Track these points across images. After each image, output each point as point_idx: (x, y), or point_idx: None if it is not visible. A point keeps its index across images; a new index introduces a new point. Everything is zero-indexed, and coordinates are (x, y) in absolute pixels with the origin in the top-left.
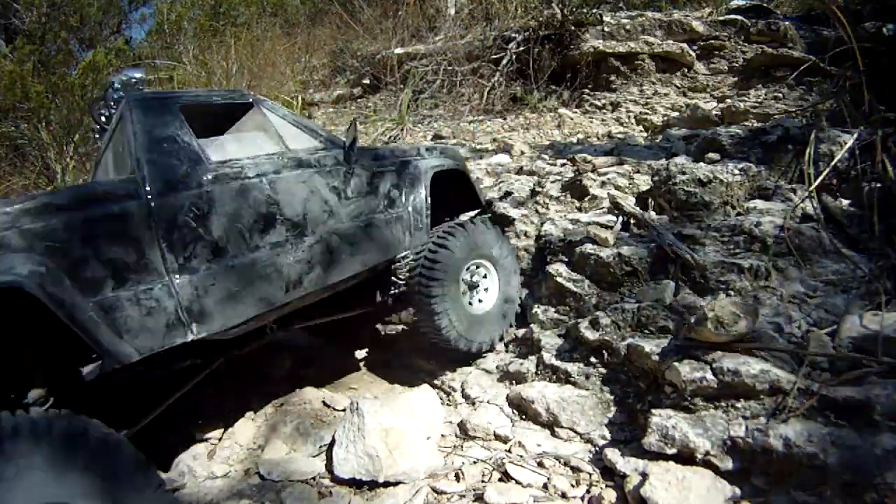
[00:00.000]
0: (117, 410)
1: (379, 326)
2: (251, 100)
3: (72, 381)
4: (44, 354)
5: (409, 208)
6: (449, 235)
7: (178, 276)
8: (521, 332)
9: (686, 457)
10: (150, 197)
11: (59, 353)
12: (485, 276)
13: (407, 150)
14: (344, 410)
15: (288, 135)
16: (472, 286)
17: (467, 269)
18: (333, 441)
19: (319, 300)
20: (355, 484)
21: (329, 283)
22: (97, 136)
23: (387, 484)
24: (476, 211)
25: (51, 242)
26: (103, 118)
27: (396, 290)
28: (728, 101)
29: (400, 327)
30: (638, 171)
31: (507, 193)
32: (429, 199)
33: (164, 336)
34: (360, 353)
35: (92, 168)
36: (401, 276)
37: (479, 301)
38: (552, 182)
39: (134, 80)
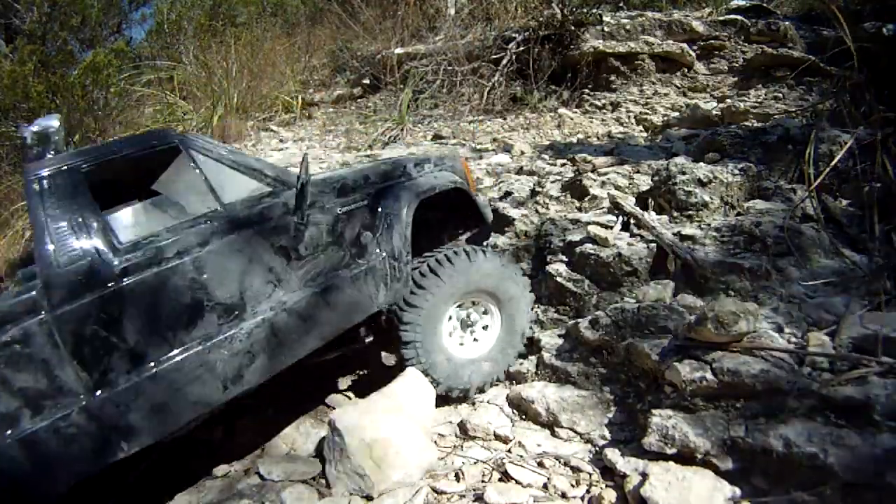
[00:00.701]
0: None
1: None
2: (176, 142)
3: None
4: None
5: (384, 255)
6: (431, 272)
7: (96, 396)
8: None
9: (686, 457)
10: (51, 310)
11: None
12: (485, 313)
13: (388, 170)
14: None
15: (222, 183)
16: (466, 325)
17: (459, 304)
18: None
19: None
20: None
21: (277, 369)
22: None
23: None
24: (476, 230)
25: None
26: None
27: (382, 321)
28: (728, 101)
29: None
30: (638, 171)
31: (507, 193)
32: (408, 241)
33: (95, 459)
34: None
35: None
36: (384, 317)
37: (475, 340)
38: (552, 182)
39: (50, 129)
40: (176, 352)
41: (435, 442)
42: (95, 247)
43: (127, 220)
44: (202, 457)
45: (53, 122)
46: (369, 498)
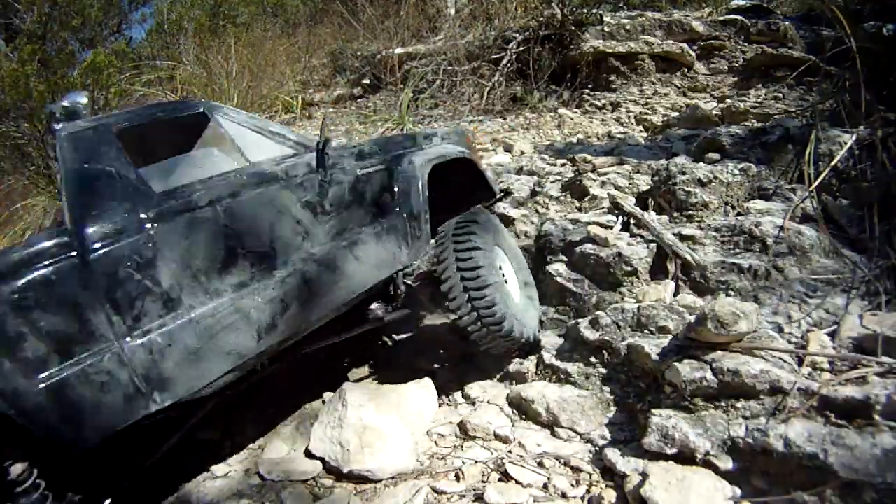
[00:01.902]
0: (103, 468)
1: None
2: (202, 109)
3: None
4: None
5: (405, 214)
6: (471, 234)
7: (128, 341)
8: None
9: (686, 457)
10: (85, 251)
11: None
12: (503, 265)
13: (400, 140)
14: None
15: (249, 145)
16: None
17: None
18: None
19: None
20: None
21: (313, 321)
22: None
23: (380, 481)
24: (489, 202)
25: None
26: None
27: (402, 299)
28: (728, 101)
29: (402, 335)
30: (638, 171)
31: (507, 193)
32: (426, 201)
33: (125, 411)
34: (361, 353)
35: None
36: (409, 282)
37: (510, 288)
38: (552, 182)
39: (78, 105)
40: (210, 298)
41: (435, 442)
42: (129, 194)
43: (159, 174)
44: (202, 457)
45: (82, 98)
46: (339, 473)
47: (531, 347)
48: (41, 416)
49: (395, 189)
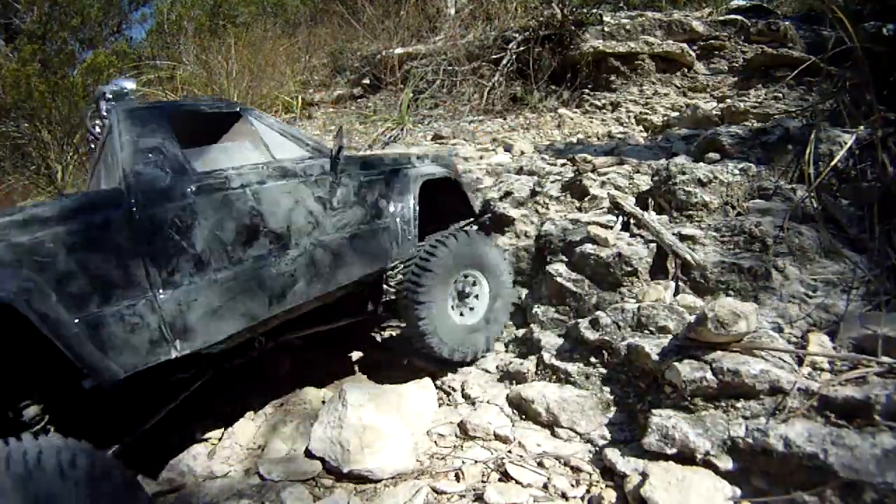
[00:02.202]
0: (109, 421)
1: (374, 333)
2: (238, 109)
3: (66, 393)
4: (36, 368)
5: (397, 219)
6: (440, 244)
7: (161, 292)
8: (521, 332)
9: (686, 457)
10: (133, 208)
11: (52, 365)
12: (474, 285)
13: (397, 157)
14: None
15: (274, 144)
16: (462, 296)
17: (457, 279)
18: None
19: (308, 312)
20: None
21: (313, 297)
22: (91, 145)
23: (380, 481)
24: (468, 220)
25: (38, 257)
26: (97, 128)
27: (386, 299)
28: (728, 101)
29: (396, 332)
30: (638, 171)
31: (507, 193)
32: (417, 209)
33: (148, 353)
34: (361, 354)
35: (88, 178)
36: (391, 285)
37: (470, 309)
38: (552, 182)
39: (126, 90)
40: (234, 264)
41: (435, 442)
42: (175, 167)
43: (200, 157)
44: (202, 457)
45: (130, 84)
46: (339, 473)
47: (458, 364)
48: (76, 344)
49: (392, 196)
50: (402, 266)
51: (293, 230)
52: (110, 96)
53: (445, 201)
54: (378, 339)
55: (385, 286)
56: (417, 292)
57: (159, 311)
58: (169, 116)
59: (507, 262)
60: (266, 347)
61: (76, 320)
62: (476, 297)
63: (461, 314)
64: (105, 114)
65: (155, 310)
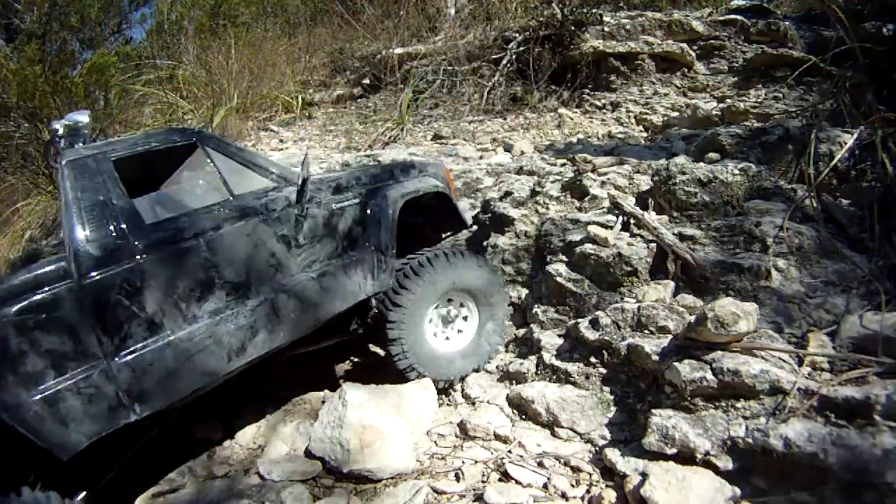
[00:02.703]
0: (77, 468)
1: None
2: (194, 139)
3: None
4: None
5: (372, 248)
6: (418, 268)
7: (115, 359)
8: (521, 332)
9: (686, 457)
10: (80, 278)
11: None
12: (462, 307)
13: (377, 173)
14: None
15: (233, 177)
16: (447, 321)
17: (439, 304)
18: None
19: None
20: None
21: (277, 346)
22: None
23: (380, 481)
24: (454, 232)
25: None
26: (58, 163)
27: (370, 317)
28: (728, 101)
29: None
30: (638, 171)
31: (507, 193)
32: (394, 236)
33: (108, 420)
34: (361, 354)
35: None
36: (374, 302)
37: (458, 332)
38: (552, 182)
39: (79, 124)
40: (188, 323)
41: (435, 442)
42: (123, 224)
43: (150, 205)
44: (202, 457)
45: (83, 117)
46: (339, 473)
47: (448, 387)
48: (36, 424)
49: (367, 223)
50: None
51: (253, 277)
52: (63, 133)
53: (439, 211)
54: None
55: (370, 303)
56: (390, 310)
57: (115, 378)
58: (116, 162)
59: (500, 283)
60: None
61: (34, 398)
62: (464, 319)
63: (446, 338)
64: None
65: (111, 378)
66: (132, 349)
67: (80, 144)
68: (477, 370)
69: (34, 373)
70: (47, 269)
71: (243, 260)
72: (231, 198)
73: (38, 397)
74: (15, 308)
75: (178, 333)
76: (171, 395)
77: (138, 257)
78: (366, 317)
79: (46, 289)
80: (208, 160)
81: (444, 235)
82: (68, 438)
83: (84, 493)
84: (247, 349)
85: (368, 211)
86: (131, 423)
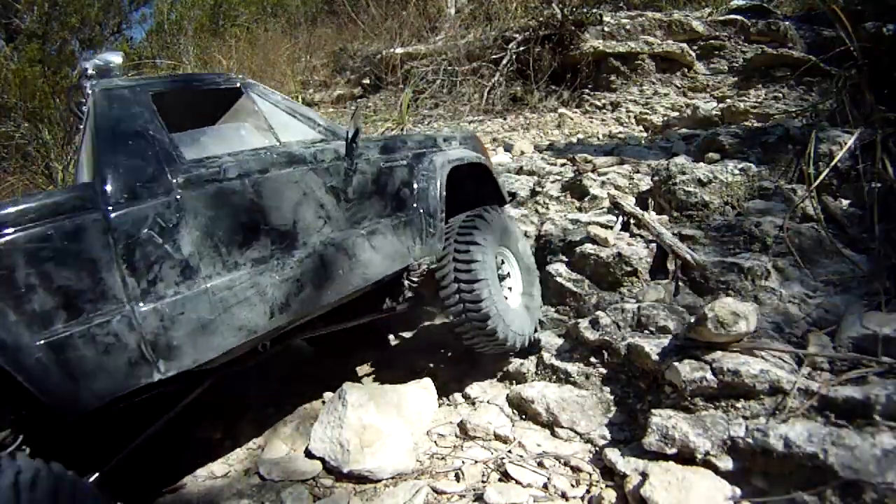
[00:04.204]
0: (92, 442)
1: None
2: (239, 85)
3: (38, 416)
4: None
5: (421, 211)
6: (473, 229)
7: (140, 305)
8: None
9: (686, 457)
10: (108, 208)
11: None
12: (503, 263)
13: (422, 140)
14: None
15: (280, 125)
16: (502, 278)
17: (496, 257)
18: None
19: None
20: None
21: (323, 305)
22: (79, 127)
23: (380, 481)
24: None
25: None
26: (83, 107)
27: (408, 295)
28: (728, 101)
29: (407, 333)
30: (638, 171)
31: (514, 196)
32: (443, 200)
33: (126, 377)
34: (361, 354)
35: (74, 167)
36: (413, 279)
37: (510, 289)
38: (552, 182)
39: (111, 64)
40: (228, 270)
41: (435, 442)
42: (159, 156)
43: (192, 142)
44: (202, 457)
45: (116, 58)
46: (339, 473)
47: (522, 351)
48: (39, 373)
49: (415, 185)
50: (432, 261)
51: (300, 227)
52: (93, 72)
53: (472, 187)
54: (379, 339)
55: (405, 280)
56: (471, 269)
57: (139, 327)
58: (155, 95)
59: (527, 244)
60: (269, 353)
61: (38, 342)
62: (509, 275)
63: (505, 298)
64: (88, 91)
65: (133, 326)
66: (162, 294)
67: None
68: (536, 330)
69: (42, 312)
70: (70, 194)
71: (291, 207)
72: (278, 143)
73: (42, 342)
74: (27, 233)
75: (217, 280)
76: (203, 353)
77: (176, 193)
78: (401, 293)
79: (67, 216)
80: (255, 105)
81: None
82: (77, 394)
83: (96, 475)
84: (291, 305)
85: (416, 174)
86: (154, 384)
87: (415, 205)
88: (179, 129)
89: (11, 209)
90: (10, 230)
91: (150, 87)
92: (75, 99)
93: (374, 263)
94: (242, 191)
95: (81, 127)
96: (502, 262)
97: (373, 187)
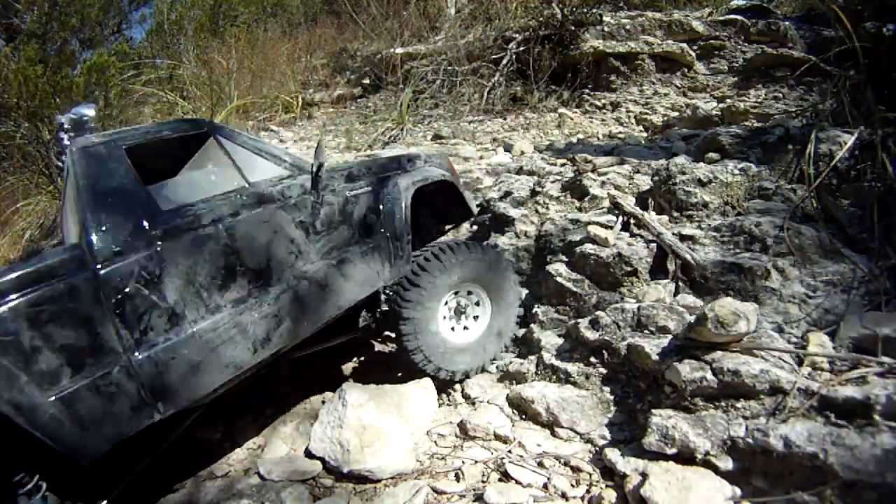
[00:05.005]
0: (97, 473)
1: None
2: (206, 129)
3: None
4: (20, 441)
5: (388, 235)
6: (434, 257)
7: (136, 354)
8: (521, 332)
9: (686, 457)
10: (97, 266)
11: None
12: (477, 304)
13: (385, 163)
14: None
15: (248, 165)
16: (459, 312)
17: (454, 294)
18: None
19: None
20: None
21: (302, 335)
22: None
23: (380, 481)
24: (459, 223)
25: (1, 336)
26: (63, 157)
27: (380, 313)
28: (728, 101)
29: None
30: (638, 171)
31: (507, 193)
32: (408, 223)
33: (130, 421)
34: (361, 354)
35: (60, 218)
36: (385, 297)
37: (465, 328)
38: (552, 182)
39: (85, 118)
40: (211, 313)
41: (435, 442)
42: (139, 211)
43: (165, 192)
44: (202, 457)
45: (90, 111)
46: (339, 473)
47: (450, 381)
48: (54, 427)
49: (381, 210)
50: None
51: (273, 264)
52: (69, 126)
53: (442, 202)
54: (378, 339)
55: (381, 298)
56: (403, 306)
57: (136, 375)
58: (128, 149)
59: (513, 278)
60: (259, 373)
61: (50, 399)
62: (475, 315)
63: (455, 328)
64: (65, 146)
65: (132, 375)
66: (154, 342)
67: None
68: (483, 368)
69: (49, 371)
70: (61, 257)
71: (263, 246)
72: (247, 185)
73: (53, 398)
74: (27, 298)
75: (202, 324)
76: (197, 392)
77: (156, 245)
78: (376, 312)
79: (61, 279)
80: (221, 149)
81: (446, 228)
82: (90, 442)
83: (105, 502)
84: (272, 339)
85: (381, 198)
86: (155, 424)
87: (381, 230)
88: (154, 177)
89: (10, 276)
90: (13, 296)
91: (124, 141)
92: (54, 150)
93: (346, 291)
94: (217, 236)
95: (63, 181)
96: (469, 297)
97: (340, 217)
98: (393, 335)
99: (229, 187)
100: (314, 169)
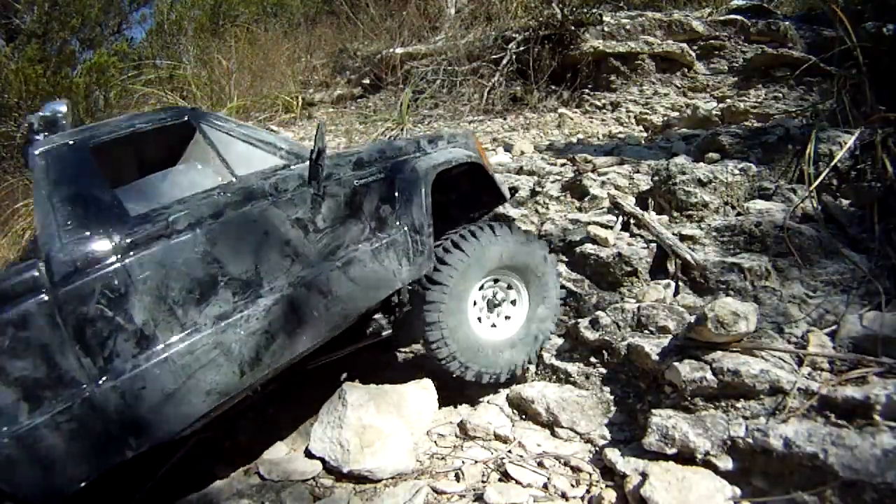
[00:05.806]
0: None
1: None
2: (187, 118)
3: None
4: None
5: (405, 227)
6: (455, 247)
7: (99, 384)
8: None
9: (686, 457)
10: (52, 286)
11: None
12: (509, 289)
13: (402, 145)
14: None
15: (236, 157)
16: (492, 304)
17: (484, 284)
18: None
19: None
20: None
21: (300, 351)
22: None
23: (380, 481)
24: (488, 209)
25: None
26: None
27: (400, 314)
28: (728, 101)
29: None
30: (638, 171)
31: (514, 192)
32: (429, 212)
33: (98, 459)
34: (361, 354)
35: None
36: (400, 300)
37: (495, 325)
38: (552, 182)
39: (58, 115)
40: (188, 333)
41: (435, 442)
42: (101, 221)
43: (136, 194)
44: (202, 457)
45: (61, 107)
46: (339, 473)
47: (496, 382)
48: (8, 470)
49: (396, 200)
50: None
51: (264, 271)
52: (39, 126)
53: (469, 187)
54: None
55: (396, 301)
56: (429, 288)
57: (101, 408)
58: (96, 149)
59: (552, 261)
60: (265, 392)
61: (4, 439)
62: (512, 300)
63: (492, 325)
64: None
65: (96, 407)
66: (120, 370)
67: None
68: (529, 362)
69: (3, 408)
70: (14, 280)
71: (251, 251)
72: (233, 179)
73: (6, 439)
74: None
75: (177, 347)
76: (175, 424)
77: (121, 257)
78: (393, 312)
79: (12, 303)
80: (205, 140)
81: (473, 216)
82: (51, 484)
83: None
84: (263, 359)
85: (397, 186)
86: (136, 457)
87: (398, 222)
88: (128, 177)
89: None
90: None
91: (90, 140)
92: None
93: (355, 297)
94: (194, 242)
95: None
96: (498, 285)
97: (346, 211)
98: (414, 324)
99: (213, 183)
100: (313, 156)
